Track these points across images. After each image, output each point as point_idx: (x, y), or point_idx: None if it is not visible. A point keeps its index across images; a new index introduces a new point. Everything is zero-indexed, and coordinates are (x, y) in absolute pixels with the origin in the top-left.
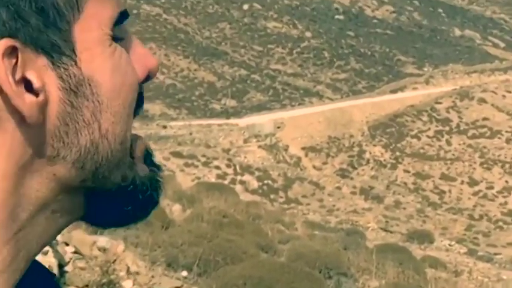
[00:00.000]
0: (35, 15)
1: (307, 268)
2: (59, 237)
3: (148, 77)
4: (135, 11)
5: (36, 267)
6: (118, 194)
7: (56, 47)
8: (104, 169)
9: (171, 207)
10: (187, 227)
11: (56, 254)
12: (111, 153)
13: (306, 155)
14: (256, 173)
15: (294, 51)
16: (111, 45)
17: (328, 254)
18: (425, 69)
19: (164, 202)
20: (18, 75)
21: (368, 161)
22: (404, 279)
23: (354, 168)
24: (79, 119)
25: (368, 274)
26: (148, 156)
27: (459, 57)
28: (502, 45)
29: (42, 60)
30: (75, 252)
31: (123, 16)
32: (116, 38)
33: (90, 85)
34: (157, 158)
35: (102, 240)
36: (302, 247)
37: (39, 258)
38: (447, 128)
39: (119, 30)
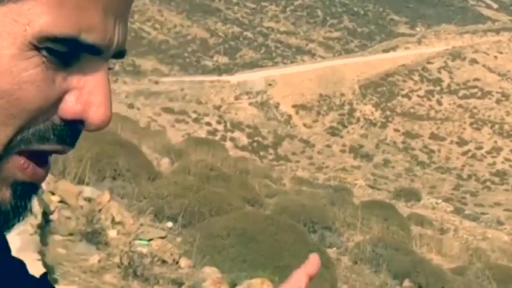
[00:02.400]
0: None
1: (292, 221)
2: (44, 186)
3: (83, 123)
4: None
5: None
6: None
7: None
8: None
9: (159, 161)
10: (173, 179)
11: (41, 202)
12: None
13: (297, 113)
14: (247, 130)
15: (287, 9)
16: (25, 51)
17: (313, 208)
18: (418, 29)
19: (153, 156)
20: None
21: (358, 120)
22: (388, 235)
23: (344, 126)
24: None
25: (353, 229)
26: (23, 189)
27: (452, 17)
28: (495, 6)
29: None
30: (60, 202)
31: (88, 47)
32: (54, 52)
33: None
34: (148, 113)
35: (88, 190)
36: (288, 201)
37: None
38: (438, 88)
39: (65, 49)
